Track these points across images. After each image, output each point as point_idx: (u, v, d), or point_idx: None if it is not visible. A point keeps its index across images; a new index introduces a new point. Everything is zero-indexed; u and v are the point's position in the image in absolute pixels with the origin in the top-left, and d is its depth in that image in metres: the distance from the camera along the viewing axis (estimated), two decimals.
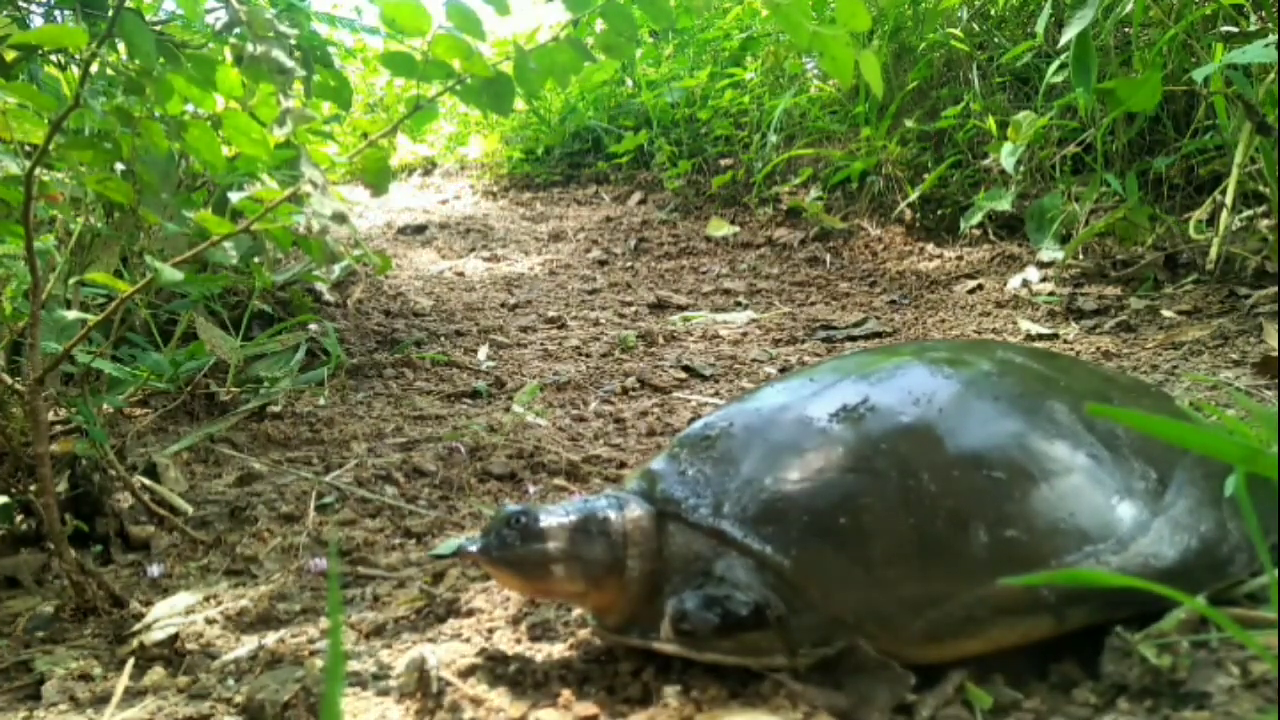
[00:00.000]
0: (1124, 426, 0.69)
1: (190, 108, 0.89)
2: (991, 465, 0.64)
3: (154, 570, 1.01)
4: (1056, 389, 0.72)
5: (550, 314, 2.33)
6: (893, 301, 2.27)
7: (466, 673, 0.71)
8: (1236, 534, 0.66)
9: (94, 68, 0.83)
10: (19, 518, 1.05)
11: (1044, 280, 2.12)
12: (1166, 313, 1.76)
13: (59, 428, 1.29)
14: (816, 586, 0.62)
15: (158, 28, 1.09)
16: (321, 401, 1.59)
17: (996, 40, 2.63)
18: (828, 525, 0.64)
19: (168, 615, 0.90)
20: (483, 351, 1.97)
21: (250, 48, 0.78)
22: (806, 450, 0.67)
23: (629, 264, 2.90)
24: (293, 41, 0.81)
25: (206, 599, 0.94)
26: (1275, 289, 1.70)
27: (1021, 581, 0.58)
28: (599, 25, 0.97)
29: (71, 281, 1.05)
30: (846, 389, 0.71)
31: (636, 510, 0.70)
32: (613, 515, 0.70)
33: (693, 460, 0.71)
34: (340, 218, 0.78)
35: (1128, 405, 0.75)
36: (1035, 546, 0.62)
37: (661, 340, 2.05)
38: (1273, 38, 1.57)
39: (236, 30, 0.81)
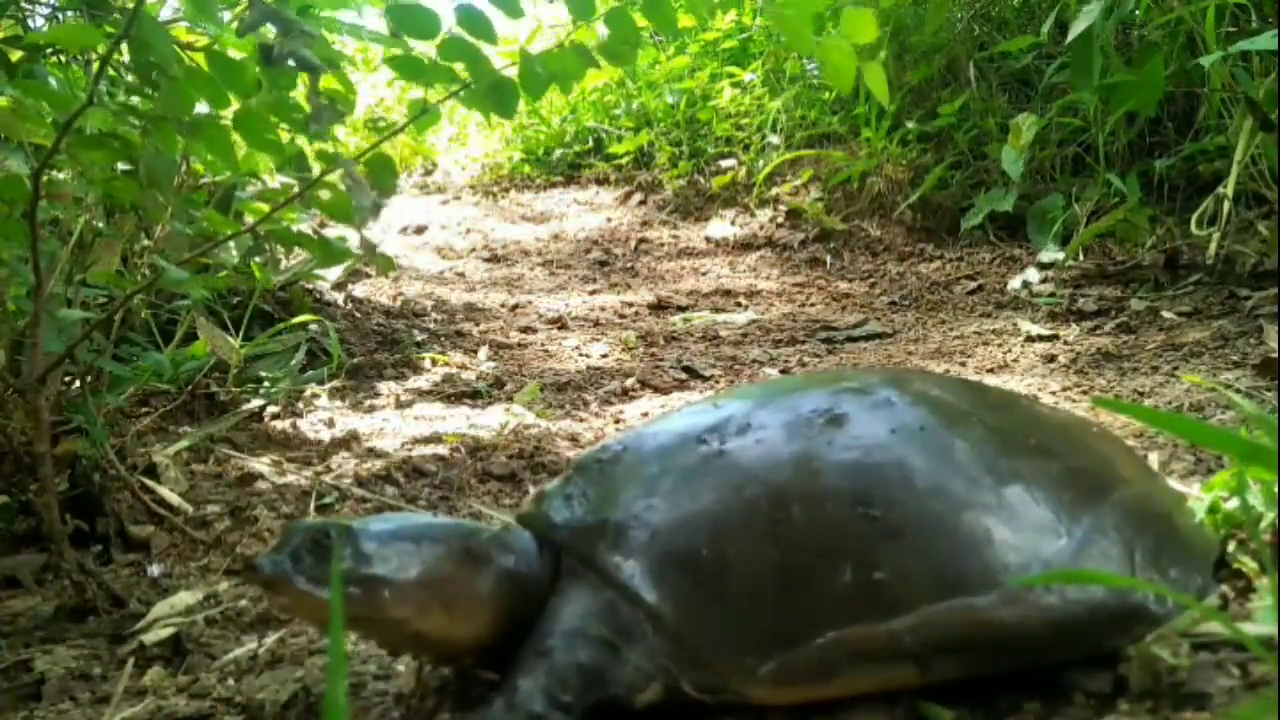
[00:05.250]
0: (1035, 471, 0.64)
1: (202, 107, 0.89)
2: (870, 501, 0.60)
3: (154, 570, 1.01)
4: (966, 426, 0.67)
5: (550, 314, 2.33)
6: (893, 302, 2.27)
7: (466, 673, 0.71)
8: (1149, 586, 0.61)
9: (99, 67, 0.83)
10: (19, 518, 1.05)
11: (1044, 281, 2.12)
12: (1167, 314, 1.76)
13: (59, 428, 1.29)
14: (673, 618, 0.60)
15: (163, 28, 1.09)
16: (321, 401, 1.59)
17: (997, 41, 2.64)
18: (691, 557, 0.61)
19: (168, 615, 0.90)
20: (483, 352, 1.97)
21: (278, 46, 0.78)
22: (682, 478, 0.65)
23: (629, 264, 2.90)
24: (312, 40, 0.81)
25: (206, 599, 0.94)
26: (1275, 290, 1.70)
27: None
28: (600, 26, 0.97)
29: (77, 279, 1.05)
30: (740, 416, 0.68)
31: (499, 535, 0.67)
32: (463, 535, 0.66)
33: (580, 485, 0.68)
34: (377, 209, 0.78)
35: (1048, 449, 0.68)
36: (902, 590, 0.58)
37: (661, 340, 2.05)
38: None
39: (259, 29, 0.81)
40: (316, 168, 0.85)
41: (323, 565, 0.60)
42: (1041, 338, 1.77)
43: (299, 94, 0.86)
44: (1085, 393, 1.40)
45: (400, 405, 1.59)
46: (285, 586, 0.60)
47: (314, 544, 0.61)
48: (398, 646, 0.68)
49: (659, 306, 2.41)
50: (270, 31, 0.83)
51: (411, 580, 0.62)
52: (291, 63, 0.80)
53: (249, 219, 0.90)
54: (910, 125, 2.69)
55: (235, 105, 0.88)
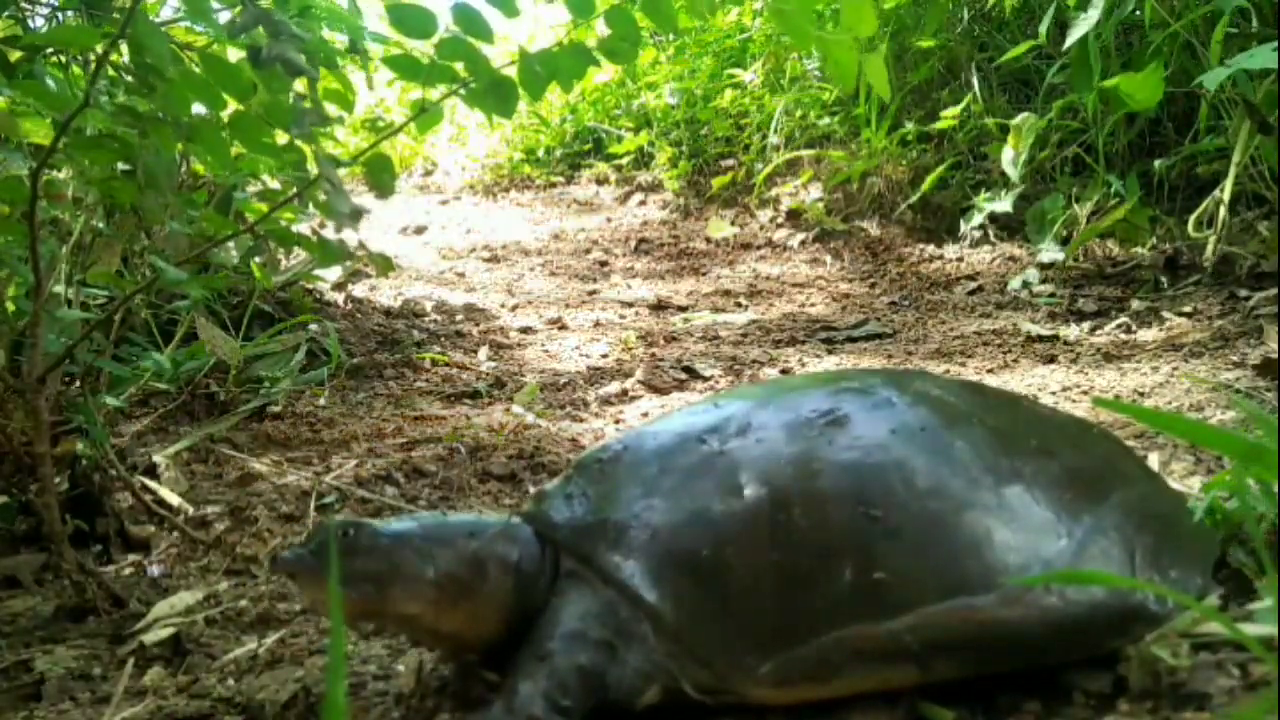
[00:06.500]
0: (1035, 471, 0.64)
1: (198, 108, 0.89)
2: (870, 501, 0.61)
3: (154, 570, 1.01)
4: (967, 426, 0.66)
5: (550, 314, 2.33)
6: (893, 303, 2.27)
7: (466, 673, 0.71)
8: (1149, 586, 0.61)
9: (95, 68, 0.83)
10: (19, 518, 1.05)
11: (1044, 281, 2.12)
12: (1167, 314, 1.76)
13: (59, 428, 1.29)
14: (673, 618, 0.60)
15: (162, 29, 1.09)
16: (321, 401, 1.59)
17: (997, 41, 2.64)
18: (691, 556, 0.61)
19: (168, 615, 0.90)
20: (483, 352, 1.97)
21: (266, 49, 0.78)
22: (683, 478, 0.65)
23: (629, 264, 2.90)
24: (302, 44, 0.81)
25: (206, 599, 0.94)
26: (1275, 291, 1.70)
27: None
28: (600, 26, 0.97)
29: (77, 279, 1.05)
30: (741, 416, 0.68)
31: (508, 530, 0.67)
32: (475, 534, 0.66)
33: (581, 485, 0.69)
34: (356, 215, 0.78)
35: (1048, 449, 0.68)
36: (902, 590, 0.58)
37: (662, 340, 2.05)
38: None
39: (249, 31, 0.81)
40: (314, 169, 0.85)
41: (344, 560, 0.62)
42: (1041, 338, 1.77)
43: (303, 93, 0.87)
44: (1085, 393, 1.40)
45: (399, 405, 1.59)
46: (307, 578, 0.62)
47: (338, 539, 0.63)
48: (415, 640, 0.70)
49: (659, 306, 2.41)
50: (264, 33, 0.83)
51: (425, 578, 0.63)
52: (280, 66, 0.80)
53: (249, 219, 0.90)
54: (910, 125, 2.69)
55: (232, 107, 0.88)
